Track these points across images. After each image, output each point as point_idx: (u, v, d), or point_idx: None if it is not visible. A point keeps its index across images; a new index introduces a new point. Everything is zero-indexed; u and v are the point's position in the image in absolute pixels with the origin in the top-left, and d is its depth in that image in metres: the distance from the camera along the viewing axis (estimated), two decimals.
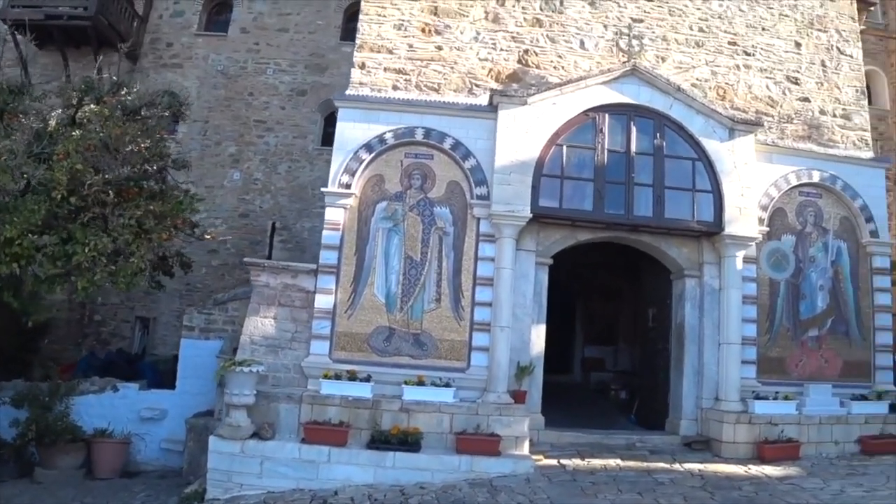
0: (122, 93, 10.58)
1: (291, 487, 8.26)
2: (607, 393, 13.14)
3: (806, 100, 11.17)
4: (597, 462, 8.84)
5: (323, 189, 9.88)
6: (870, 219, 10.75)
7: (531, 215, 9.47)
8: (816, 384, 9.94)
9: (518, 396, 9.27)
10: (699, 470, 8.62)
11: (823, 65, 11.45)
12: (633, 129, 9.96)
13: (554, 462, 8.82)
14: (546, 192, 9.68)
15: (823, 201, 10.75)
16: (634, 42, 10.39)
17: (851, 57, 11.64)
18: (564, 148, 9.80)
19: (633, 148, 9.92)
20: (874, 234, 10.75)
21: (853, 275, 10.68)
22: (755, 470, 8.68)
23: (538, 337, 9.81)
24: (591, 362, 14.73)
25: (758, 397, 9.58)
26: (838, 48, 11.60)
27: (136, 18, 15.95)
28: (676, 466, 8.76)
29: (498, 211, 9.42)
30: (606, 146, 9.85)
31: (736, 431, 9.27)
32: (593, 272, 14.21)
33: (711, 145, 10.02)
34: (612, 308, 14.27)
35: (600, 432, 9.90)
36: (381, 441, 8.50)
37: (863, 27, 16.32)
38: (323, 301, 9.50)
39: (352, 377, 9.05)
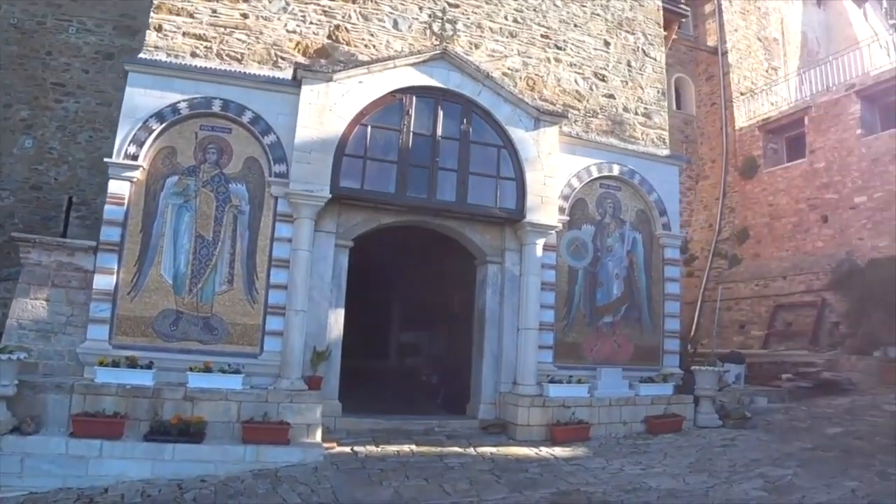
0: None
1: (57, 486, 7.43)
2: (419, 378, 13.10)
3: (611, 96, 11.60)
4: (391, 448, 8.69)
5: (107, 160, 9.01)
6: (663, 212, 11.35)
7: (330, 196, 9.12)
8: (608, 368, 10.37)
9: (313, 382, 8.94)
10: (491, 453, 8.69)
11: (629, 65, 11.95)
12: (441, 113, 9.89)
13: (347, 449, 8.57)
14: (348, 172, 9.38)
15: (622, 194, 11.22)
16: (448, 26, 10.30)
17: (655, 60, 12.23)
18: (369, 128, 9.54)
19: (440, 132, 9.84)
20: (666, 226, 11.36)
21: (646, 264, 11.24)
22: (546, 452, 8.89)
23: (336, 321, 9.51)
24: (407, 348, 14.69)
25: (552, 381, 9.84)
26: (644, 50, 12.15)
27: None
28: (470, 451, 8.78)
29: (296, 190, 9.00)
30: (412, 129, 9.71)
31: (530, 414, 9.46)
32: (412, 257, 14.11)
33: (517, 134, 10.14)
34: (429, 293, 14.22)
35: (400, 418, 9.77)
36: (161, 432, 7.86)
37: (675, 37, 17.38)
38: (103, 281, 8.66)
39: (132, 364, 8.32)
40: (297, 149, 9.12)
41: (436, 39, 10.16)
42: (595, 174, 10.94)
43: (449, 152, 9.86)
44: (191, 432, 7.92)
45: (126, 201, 8.87)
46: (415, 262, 13.84)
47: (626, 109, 11.64)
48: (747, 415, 10.66)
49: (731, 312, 16.49)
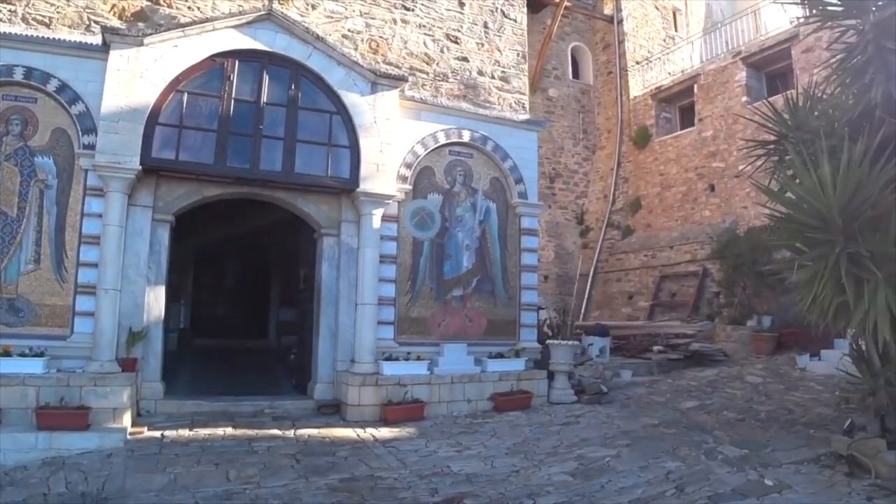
0: None
1: None
2: (288, 356, 12.65)
3: (465, 59, 11.15)
4: (204, 432, 8.21)
5: None
6: (519, 180, 10.95)
7: (140, 167, 8.55)
8: (451, 343, 9.99)
9: (127, 364, 8.44)
10: (309, 436, 8.25)
11: (486, 26, 11.49)
12: (266, 78, 9.32)
13: (157, 434, 8.07)
14: (164, 142, 8.79)
15: (474, 161, 10.78)
16: None
17: (515, 21, 11.78)
18: (186, 95, 8.95)
19: (266, 98, 9.29)
20: (523, 195, 10.97)
21: (501, 235, 10.84)
22: (369, 433, 8.47)
23: (156, 299, 8.99)
24: (285, 325, 14.21)
25: (388, 359, 9.44)
26: (503, 11, 11.69)
27: None
28: (289, 433, 8.32)
29: (102, 162, 8.38)
30: (234, 95, 9.13)
31: (361, 394, 9.06)
32: (285, 234, 13.62)
33: (351, 98, 9.63)
34: (297, 270, 13.77)
35: (229, 400, 9.29)
36: None
37: (569, 4, 17.01)
38: None
39: None
40: (103, 118, 8.50)
41: (266, 0, 9.61)
42: (443, 140, 10.46)
43: (277, 120, 9.32)
44: None
45: None
46: (288, 238, 13.35)
47: (481, 73, 11.19)
48: (603, 390, 10.41)
49: (621, 283, 16.30)
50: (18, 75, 8.59)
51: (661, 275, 15.14)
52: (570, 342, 10.56)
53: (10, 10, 8.99)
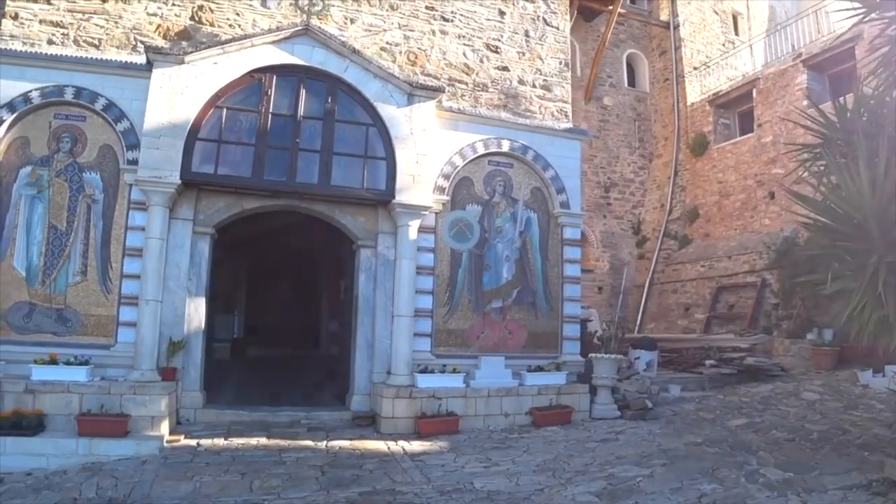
0: None
1: None
2: (333, 367, 12.73)
3: (505, 69, 11.04)
4: (238, 441, 8.33)
5: None
6: (561, 189, 10.75)
7: (180, 181, 8.77)
8: (489, 356, 9.83)
9: (167, 374, 8.66)
10: (340, 447, 8.25)
11: (527, 35, 11.35)
12: (304, 92, 9.45)
13: (192, 443, 8.24)
14: (203, 157, 9.03)
15: (514, 171, 10.64)
16: (318, 0, 9.86)
17: (557, 29, 11.60)
18: (225, 111, 9.17)
19: (303, 111, 9.41)
20: (565, 205, 10.76)
21: (542, 245, 10.66)
22: (400, 446, 8.41)
23: (196, 311, 9.18)
24: (333, 336, 14.34)
25: (423, 371, 9.37)
26: (545, 19, 11.53)
27: None
28: (319, 445, 8.34)
29: (144, 176, 8.66)
30: (272, 109, 9.29)
31: (395, 406, 9.01)
32: (331, 246, 13.78)
33: (387, 110, 9.66)
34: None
35: (267, 409, 9.39)
36: None
37: (623, 11, 16.71)
38: None
39: None
40: (146, 134, 8.79)
41: (304, 15, 9.75)
42: (481, 151, 10.37)
43: (314, 133, 9.44)
44: (23, 426, 7.70)
45: None
46: (333, 250, 13.51)
47: (521, 82, 11.05)
48: (648, 405, 10.04)
49: (678, 295, 15.78)
50: (69, 95, 9.00)
51: (718, 286, 14.60)
52: (614, 356, 10.24)
53: (62, 34, 9.42)
